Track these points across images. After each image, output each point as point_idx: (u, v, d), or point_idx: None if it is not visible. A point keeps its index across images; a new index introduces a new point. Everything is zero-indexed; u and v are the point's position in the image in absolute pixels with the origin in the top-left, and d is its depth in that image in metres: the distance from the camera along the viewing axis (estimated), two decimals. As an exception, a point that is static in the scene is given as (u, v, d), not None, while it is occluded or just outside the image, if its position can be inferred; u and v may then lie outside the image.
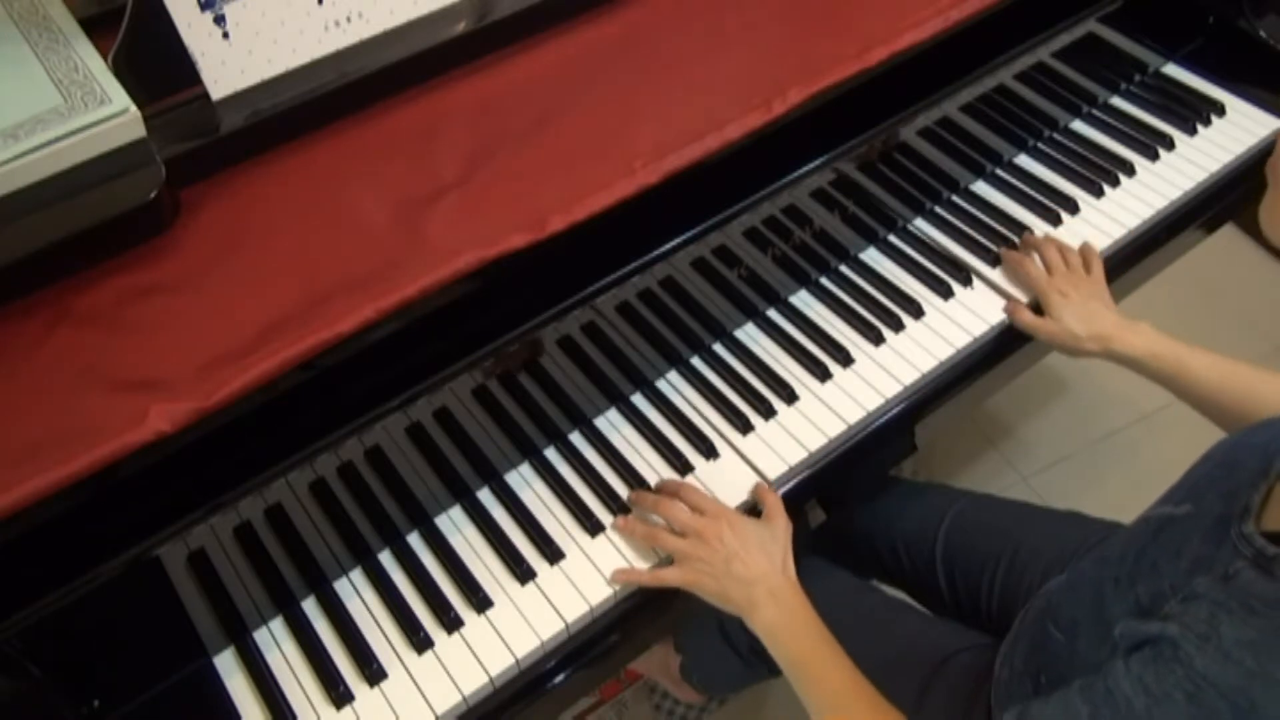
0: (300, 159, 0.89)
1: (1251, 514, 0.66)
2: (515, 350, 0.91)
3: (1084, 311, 1.07)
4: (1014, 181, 1.27)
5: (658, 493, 0.98)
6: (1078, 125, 1.34)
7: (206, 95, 0.88)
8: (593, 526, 0.97)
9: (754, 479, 1.00)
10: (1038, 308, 1.12)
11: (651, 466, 1.01)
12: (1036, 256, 1.15)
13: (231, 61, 0.87)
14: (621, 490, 0.99)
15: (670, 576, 0.92)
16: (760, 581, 0.89)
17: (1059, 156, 1.30)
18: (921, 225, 1.22)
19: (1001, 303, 1.14)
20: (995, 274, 1.17)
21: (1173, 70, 1.40)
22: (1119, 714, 0.62)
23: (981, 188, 1.27)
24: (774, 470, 1.00)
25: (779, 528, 0.94)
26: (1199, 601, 0.63)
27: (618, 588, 0.93)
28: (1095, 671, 0.68)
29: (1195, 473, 0.78)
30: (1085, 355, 1.07)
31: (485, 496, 1.00)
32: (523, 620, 0.92)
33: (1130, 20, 1.28)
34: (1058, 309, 1.08)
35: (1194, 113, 1.33)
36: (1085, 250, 1.16)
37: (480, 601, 0.93)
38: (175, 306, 0.79)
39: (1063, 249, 1.15)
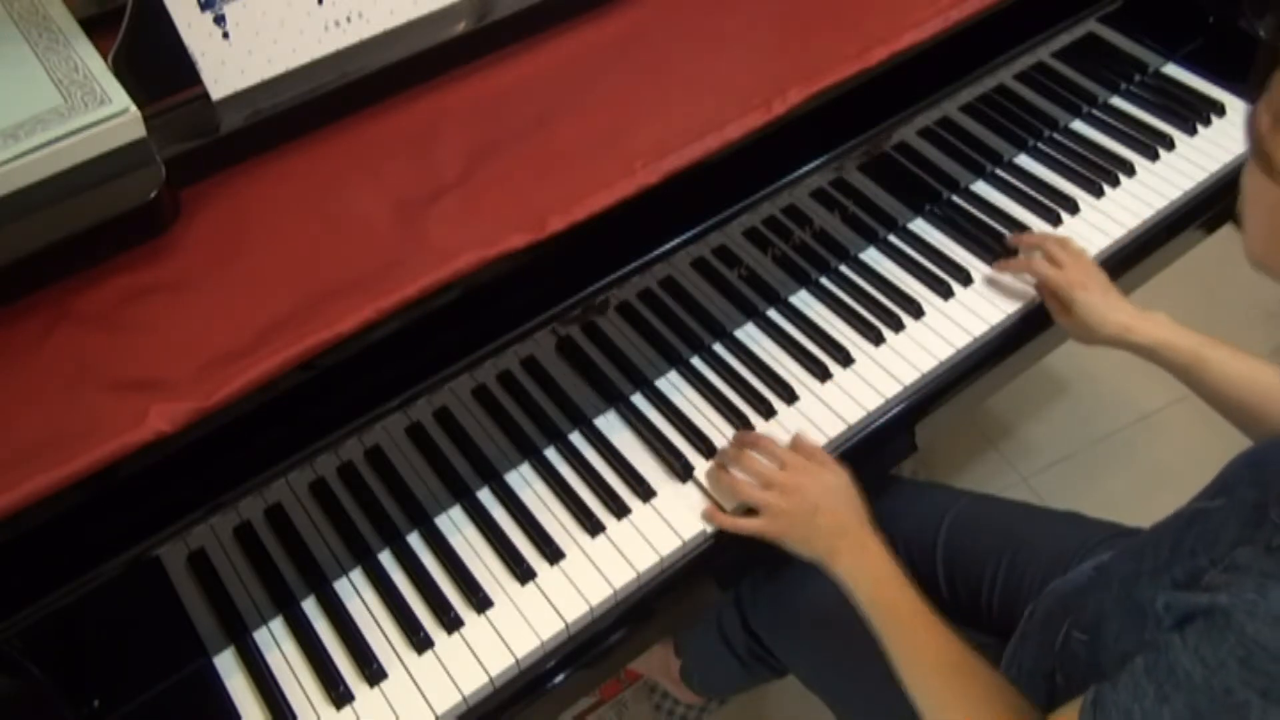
0: (300, 159, 0.89)
1: None
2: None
3: (1105, 301, 1.07)
4: (1014, 181, 1.27)
5: (735, 445, 1.01)
6: (1078, 125, 1.34)
7: (206, 95, 0.88)
8: (593, 526, 0.97)
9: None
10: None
11: (651, 466, 1.01)
12: (1038, 254, 1.15)
13: (231, 61, 0.87)
14: (621, 490, 0.99)
15: (753, 526, 0.95)
16: (845, 533, 0.93)
17: (1059, 156, 1.30)
18: (921, 225, 1.22)
19: (1002, 301, 1.14)
20: (996, 274, 1.17)
21: (1173, 70, 1.40)
22: (1181, 688, 0.63)
23: (981, 188, 1.27)
24: (774, 470, 1.00)
25: (844, 475, 0.97)
26: (1244, 572, 0.64)
27: (618, 587, 0.93)
28: (1123, 663, 0.68)
29: (1224, 474, 0.79)
30: (1105, 344, 1.07)
31: (485, 496, 1.00)
32: (523, 620, 0.92)
33: (1130, 20, 1.28)
34: (1082, 301, 1.07)
35: (1194, 113, 1.33)
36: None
37: (480, 601, 0.93)
38: (175, 306, 0.79)
39: (1059, 240, 1.15)
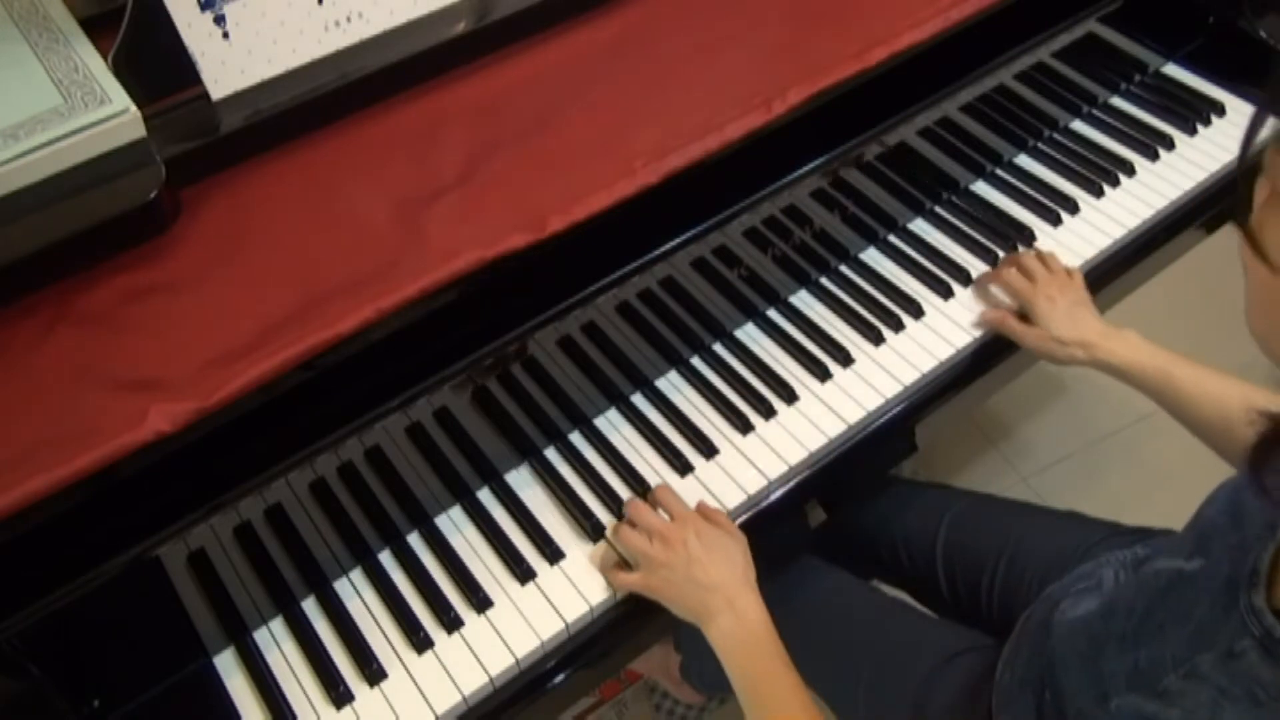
0: (300, 159, 0.89)
1: (1261, 580, 0.63)
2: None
3: (1071, 317, 1.05)
4: (1014, 181, 1.27)
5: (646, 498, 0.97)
6: (1078, 125, 1.34)
7: (206, 95, 0.88)
8: (593, 527, 0.97)
9: (755, 478, 1.00)
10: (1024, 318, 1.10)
11: (651, 466, 1.01)
12: (1013, 270, 1.13)
13: (231, 61, 0.87)
14: (621, 490, 0.99)
15: (629, 580, 0.92)
16: (719, 590, 0.87)
17: (1059, 156, 1.30)
18: (921, 225, 1.22)
19: (1003, 301, 1.14)
20: (980, 287, 1.17)
21: (1173, 70, 1.40)
22: None
23: (981, 188, 1.27)
24: (774, 470, 1.00)
25: (740, 540, 0.93)
26: (1203, 684, 0.61)
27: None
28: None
29: (1202, 520, 0.75)
30: (1071, 363, 1.06)
31: (485, 496, 1.00)
32: (523, 620, 0.92)
33: (1130, 20, 1.28)
34: (1045, 314, 1.06)
35: (1194, 113, 1.33)
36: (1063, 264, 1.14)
37: (480, 601, 0.93)
38: (175, 306, 0.79)
39: (1041, 255, 1.13)
